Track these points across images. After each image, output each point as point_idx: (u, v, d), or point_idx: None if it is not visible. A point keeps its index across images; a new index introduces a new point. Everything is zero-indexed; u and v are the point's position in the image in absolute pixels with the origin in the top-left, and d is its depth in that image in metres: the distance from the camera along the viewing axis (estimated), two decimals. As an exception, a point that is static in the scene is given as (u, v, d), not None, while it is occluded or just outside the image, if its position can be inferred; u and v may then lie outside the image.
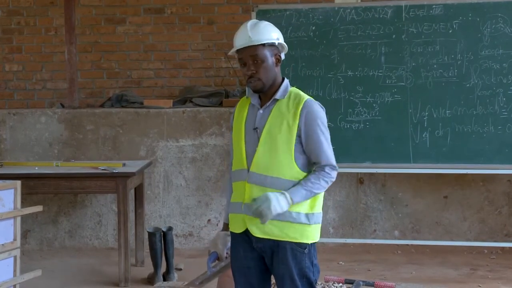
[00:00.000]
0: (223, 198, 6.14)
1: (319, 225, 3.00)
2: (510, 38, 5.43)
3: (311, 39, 5.68)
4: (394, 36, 5.58)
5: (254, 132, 2.95)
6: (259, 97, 3.02)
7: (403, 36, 5.58)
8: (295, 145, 2.91)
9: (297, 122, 2.91)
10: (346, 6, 5.67)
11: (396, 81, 5.60)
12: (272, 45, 2.95)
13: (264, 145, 2.91)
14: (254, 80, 2.92)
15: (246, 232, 2.95)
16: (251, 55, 2.91)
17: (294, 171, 2.90)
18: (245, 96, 3.14)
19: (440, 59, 5.53)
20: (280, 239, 2.90)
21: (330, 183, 2.94)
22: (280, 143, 2.90)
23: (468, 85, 5.50)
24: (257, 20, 3.01)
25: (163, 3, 7.41)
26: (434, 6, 5.52)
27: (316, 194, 2.91)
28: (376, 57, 5.61)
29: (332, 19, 5.66)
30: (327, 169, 2.92)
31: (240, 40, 2.94)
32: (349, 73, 5.66)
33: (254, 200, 2.83)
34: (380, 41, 5.60)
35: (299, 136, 2.91)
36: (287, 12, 5.71)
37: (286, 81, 3.02)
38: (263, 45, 2.92)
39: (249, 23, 2.96)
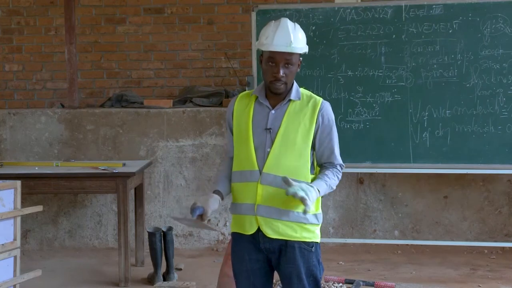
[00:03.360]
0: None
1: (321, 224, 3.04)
2: (510, 38, 5.43)
3: (311, 39, 5.66)
4: (394, 36, 5.58)
5: (266, 132, 2.93)
6: (266, 96, 2.99)
7: (403, 36, 5.57)
8: (311, 146, 2.94)
9: (314, 124, 2.93)
10: (346, 6, 5.67)
11: (396, 81, 5.60)
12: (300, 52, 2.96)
13: (280, 146, 2.90)
14: (281, 83, 2.90)
15: (253, 234, 2.94)
16: (287, 58, 2.88)
17: (307, 172, 2.92)
18: (245, 92, 3.11)
19: (440, 59, 5.53)
20: (294, 240, 2.92)
21: (336, 184, 3.00)
22: (297, 144, 2.90)
23: (468, 85, 5.50)
24: (291, 22, 2.95)
25: (163, 3, 7.41)
26: (434, 6, 5.52)
27: (331, 189, 2.96)
28: (376, 57, 5.61)
29: (332, 19, 5.66)
30: (338, 167, 3.01)
31: (281, 41, 2.87)
32: (349, 73, 5.66)
33: (286, 178, 2.79)
34: (380, 41, 5.60)
35: (314, 137, 2.94)
36: (287, 12, 5.70)
37: (295, 83, 3.01)
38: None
39: (289, 25, 2.91)
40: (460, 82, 5.50)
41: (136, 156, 6.33)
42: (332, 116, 2.98)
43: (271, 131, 2.93)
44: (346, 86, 5.66)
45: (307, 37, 5.86)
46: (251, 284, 3.00)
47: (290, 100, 2.96)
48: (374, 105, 5.63)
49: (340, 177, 3.00)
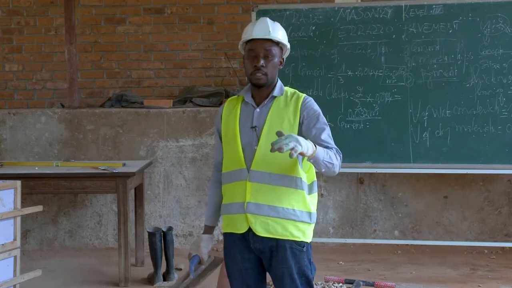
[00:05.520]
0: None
1: (314, 225, 3.03)
2: (510, 38, 5.44)
3: (311, 39, 5.69)
4: (394, 36, 5.58)
5: (252, 130, 2.95)
6: (252, 96, 3.02)
7: (403, 36, 5.58)
8: None
9: (298, 118, 2.94)
10: (346, 6, 5.68)
11: (396, 81, 5.60)
12: (281, 48, 3.01)
13: (266, 143, 2.90)
14: (261, 73, 2.93)
15: (244, 234, 2.95)
16: (266, 48, 2.94)
17: (296, 168, 2.91)
18: (234, 96, 3.14)
19: (440, 59, 5.53)
20: (284, 238, 2.90)
21: (338, 165, 2.89)
22: None
23: (468, 85, 5.50)
24: (271, 20, 3.02)
25: (163, 3, 7.41)
26: (434, 6, 5.52)
27: (331, 161, 2.83)
28: (376, 57, 5.62)
29: (332, 19, 5.66)
30: (334, 150, 2.92)
31: (260, 31, 2.95)
32: (349, 73, 5.66)
33: (280, 131, 2.72)
34: (380, 41, 5.61)
35: (300, 133, 2.93)
36: (287, 12, 5.71)
37: (280, 81, 3.06)
38: (277, 44, 2.97)
39: (268, 20, 3.00)
40: (460, 82, 5.51)
41: (136, 156, 6.33)
42: (316, 108, 2.97)
43: (257, 129, 2.94)
44: (346, 86, 5.67)
45: (307, 37, 5.90)
46: (244, 283, 3.00)
47: (274, 97, 2.99)
48: (374, 105, 5.63)
49: (339, 158, 2.90)
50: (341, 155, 2.94)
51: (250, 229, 2.92)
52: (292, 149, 2.64)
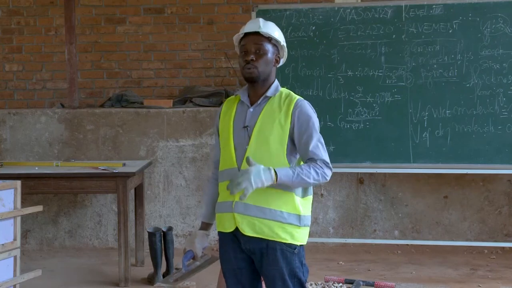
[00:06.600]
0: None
1: (308, 228, 3.00)
2: (510, 38, 5.44)
3: (311, 39, 5.69)
4: (394, 36, 5.58)
5: (244, 130, 2.95)
6: (248, 96, 3.02)
7: (403, 36, 5.58)
8: (287, 144, 2.91)
9: (289, 122, 2.92)
10: (346, 6, 5.68)
11: (396, 81, 5.60)
12: (275, 45, 3.00)
13: (256, 143, 2.90)
14: (251, 67, 2.93)
15: (235, 233, 2.94)
16: (256, 43, 2.94)
17: None
18: (232, 96, 3.14)
19: (440, 59, 5.53)
20: (270, 239, 2.89)
21: (322, 178, 2.86)
22: (272, 141, 2.89)
23: (468, 85, 5.50)
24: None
25: (163, 3, 7.41)
26: (434, 6, 5.53)
27: (305, 181, 2.82)
28: (376, 57, 5.62)
29: (332, 19, 5.66)
30: (319, 162, 2.88)
31: (251, 26, 2.98)
32: (349, 73, 5.66)
33: (248, 158, 2.78)
34: (380, 41, 5.61)
35: (291, 136, 2.92)
36: (287, 12, 5.71)
37: (277, 81, 3.05)
38: (269, 40, 2.97)
39: (261, 18, 3.04)
40: (460, 82, 5.51)
41: (136, 156, 6.34)
42: (309, 113, 2.93)
43: (248, 128, 2.94)
44: (346, 86, 5.67)
45: (307, 37, 5.90)
46: (239, 282, 3.00)
47: (268, 97, 2.98)
48: (374, 105, 5.63)
49: (320, 171, 2.86)
50: (329, 165, 2.90)
51: (238, 229, 2.92)
52: (242, 190, 2.68)
